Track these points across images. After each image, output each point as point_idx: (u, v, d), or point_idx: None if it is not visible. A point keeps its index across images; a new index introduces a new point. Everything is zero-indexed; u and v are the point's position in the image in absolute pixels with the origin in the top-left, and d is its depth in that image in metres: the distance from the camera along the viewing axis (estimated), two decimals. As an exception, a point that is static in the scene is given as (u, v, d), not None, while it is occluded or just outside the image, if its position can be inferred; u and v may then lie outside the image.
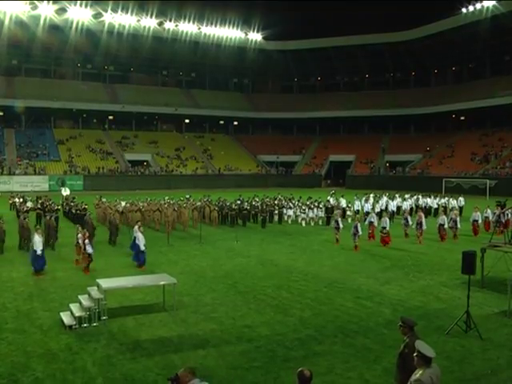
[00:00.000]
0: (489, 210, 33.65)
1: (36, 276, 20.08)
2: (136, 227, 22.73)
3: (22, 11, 77.59)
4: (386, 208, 39.24)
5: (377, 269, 21.69)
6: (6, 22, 77.71)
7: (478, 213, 32.24)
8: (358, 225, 26.21)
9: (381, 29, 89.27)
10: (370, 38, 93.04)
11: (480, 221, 32.24)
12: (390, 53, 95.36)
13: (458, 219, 30.17)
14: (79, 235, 21.86)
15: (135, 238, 22.18)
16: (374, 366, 11.58)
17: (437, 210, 41.08)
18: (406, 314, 14.91)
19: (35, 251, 20.20)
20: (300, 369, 6.82)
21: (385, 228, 27.65)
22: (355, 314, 15.26)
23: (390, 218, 31.16)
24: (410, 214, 35.53)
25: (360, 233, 26.12)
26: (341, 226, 28.26)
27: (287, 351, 12.44)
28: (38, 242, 20.25)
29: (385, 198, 41.46)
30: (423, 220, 28.74)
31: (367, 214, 37.92)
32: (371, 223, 29.45)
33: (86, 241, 20.85)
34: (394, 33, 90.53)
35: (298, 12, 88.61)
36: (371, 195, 43.19)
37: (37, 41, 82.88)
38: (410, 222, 30.16)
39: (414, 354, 7.01)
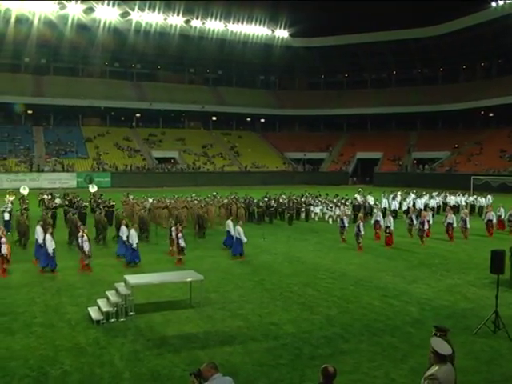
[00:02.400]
0: (502, 209, 33.15)
1: (125, 267, 20.88)
2: (229, 221, 24.55)
3: (51, 11, 78.66)
4: (414, 206, 38.88)
5: (404, 267, 21.55)
6: (35, 22, 78.82)
7: (492, 212, 31.55)
8: (361, 225, 25.74)
9: (408, 24, 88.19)
10: (397, 34, 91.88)
11: (494, 220, 31.49)
12: (418, 49, 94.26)
13: (468, 219, 29.47)
14: (173, 228, 22.99)
15: (228, 231, 24.25)
16: (400, 365, 11.51)
17: (465, 208, 40.73)
18: (433, 314, 14.89)
19: (131, 245, 21.22)
20: (324, 365, 6.84)
21: (388, 227, 27.02)
22: (382, 313, 15.19)
23: (416, 217, 30.64)
24: (438, 212, 35.13)
25: (362, 233, 25.64)
26: (346, 225, 28.16)
27: (313, 349, 12.44)
28: (134, 235, 21.22)
29: (412, 196, 41.15)
30: (426, 220, 28.11)
31: (394, 211, 37.72)
32: (377, 222, 28.93)
33: (180, 234, 21.70)
34: (421, 28, 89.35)
35: (325, 8, 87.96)
36: (399, 193, 42.89)
37: (65, 40, 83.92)
38: (415, 222, 29.40)
39: (430, 351, 7.02)
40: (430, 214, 31.17)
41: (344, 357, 11.89)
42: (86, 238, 20.40)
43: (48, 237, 20.14)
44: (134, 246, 21.20)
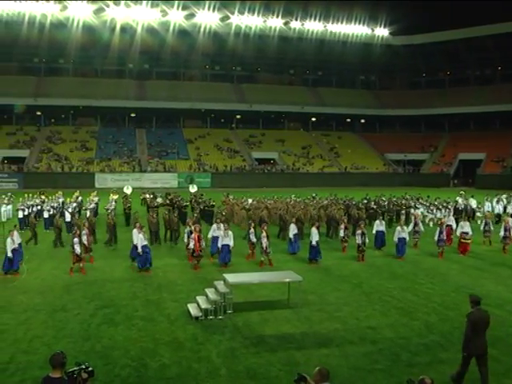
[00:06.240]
0: None
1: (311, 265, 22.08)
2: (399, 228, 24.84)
3: (153, 19, 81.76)
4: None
5: (508, 275, 20.61)
6: (139, 30, 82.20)
7: None
8: (444, 230, 24.69)
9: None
10: (503, 27, 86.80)
11: None
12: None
13: None
14: (342, 226, 24.97)
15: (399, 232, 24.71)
16: (503, 379, 10.98)
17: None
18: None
19: (311, 242, 22.41)
20: (421, 377, 6.66)
21: (467, 234, 25.17)
22: (483, 322, 14.59)
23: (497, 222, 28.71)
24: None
25: (445, 238, 24.66)
26: (422, 229, 27.08)
27: (411, 356, 12.19)
28: (314, 233, 22.35)
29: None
30: (510, 226, 25.79)
31: (498, 216, 36.12)
32: (448, 226, 27.31)
33: (359, 231, 23.25)
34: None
35: (425, 4, 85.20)
36: (503, 196, 41.13)
37: (166, 45, 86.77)
38: (492, 228, 27.65)
39: None
40: None
41: (443, 366, 11.53)
42: (264, 234, 21.76)
43: (231, 233, 21.56)
44: (314, 243, 22.16)
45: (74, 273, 19.91)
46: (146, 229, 22.44)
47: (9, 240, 19.60)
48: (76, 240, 20.01)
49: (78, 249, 19.89)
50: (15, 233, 20.41)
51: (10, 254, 19.44)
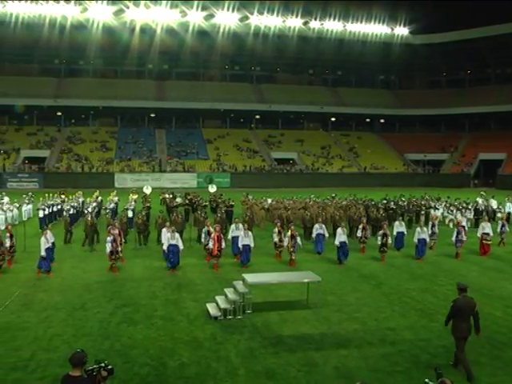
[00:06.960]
0: None
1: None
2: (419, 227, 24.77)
3: (173, 19, 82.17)
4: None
5: (530, 277, 20.39)
6: (158, 30, 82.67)
7: None
8: (462, 230, 24.45)
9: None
10: None
11: None
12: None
13: None
14: (360, 226, 25.10)
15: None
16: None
17: None
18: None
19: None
20: (441, 379, 6.61)
21: (488, 234, 24.91)
22: (504, 325, 14.43)
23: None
24: None
25: (464, 238, 24.31)
26: (436, 231, 26.56)
27: (431, 358, 12.11)
28: (338, 234, 22.55)
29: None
30: None
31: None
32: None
33: (381, 232, 23.59)
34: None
35: (446, 3, 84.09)
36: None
37: (186, 46, 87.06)
38: (508, 229, 27.38)
39: None
40: None
41: (463, 369, 11.43)
42: (289, 233, 21.92)
43: (250, 233, 21.80)
44: (337, 243, 22.34)
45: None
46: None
47: (42, 239, 19.82)
48: (109, 239, 20.20)
49: (108, 248, 20.06)
50: (49, 232, 20.61)
51: (43, 253, 19.63)
